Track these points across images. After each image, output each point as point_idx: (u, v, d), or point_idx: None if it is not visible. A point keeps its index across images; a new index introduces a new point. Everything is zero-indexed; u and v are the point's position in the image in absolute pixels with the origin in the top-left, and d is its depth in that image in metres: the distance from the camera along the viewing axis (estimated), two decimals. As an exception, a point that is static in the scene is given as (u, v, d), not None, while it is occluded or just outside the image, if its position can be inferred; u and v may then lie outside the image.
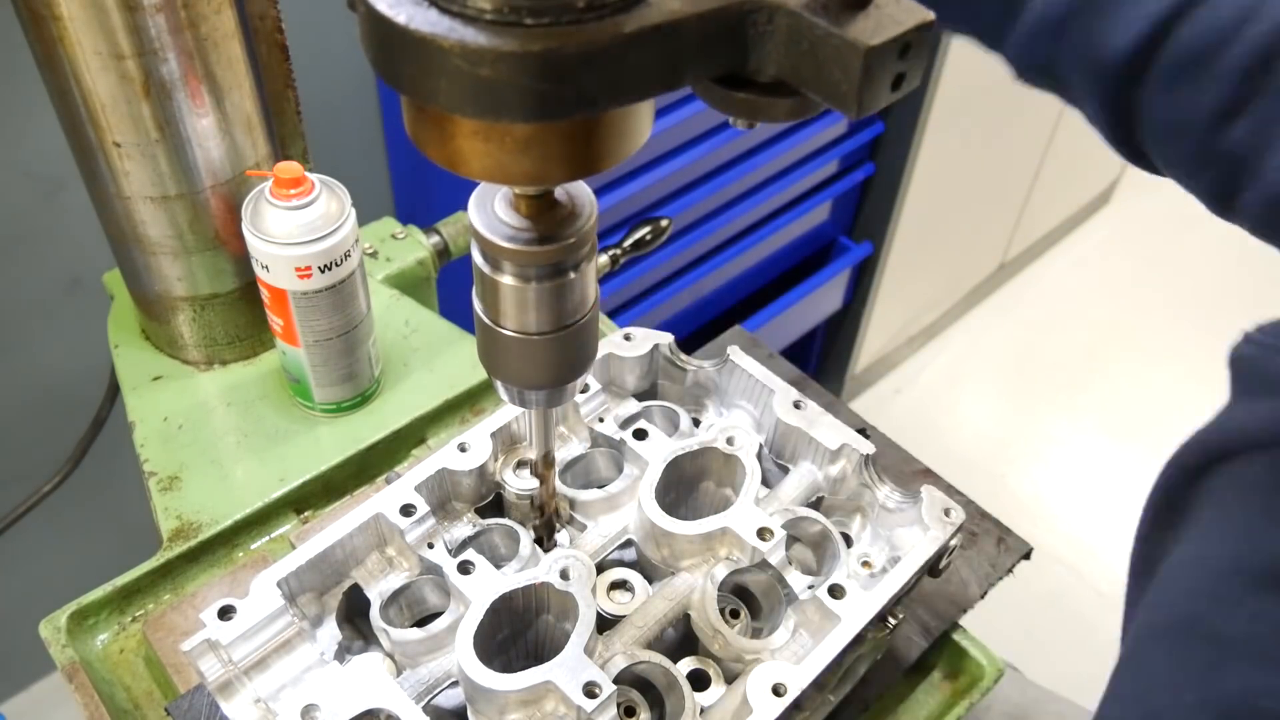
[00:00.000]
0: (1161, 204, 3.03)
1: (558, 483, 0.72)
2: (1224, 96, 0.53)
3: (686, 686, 0.63)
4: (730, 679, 0.66)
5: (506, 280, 0.53)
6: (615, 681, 0.60)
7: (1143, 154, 0.61)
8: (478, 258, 0.54)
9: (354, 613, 0.70)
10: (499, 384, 0.60)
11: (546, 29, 0.38)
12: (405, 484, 0.69)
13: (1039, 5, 0.58)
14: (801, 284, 2.06)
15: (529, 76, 0.38)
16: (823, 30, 0.40)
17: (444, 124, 0.43)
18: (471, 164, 0.44)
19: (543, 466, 0.68)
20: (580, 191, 0.53)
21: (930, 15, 0.41)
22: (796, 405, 0.75)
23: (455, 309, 1.08)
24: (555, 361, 0.57)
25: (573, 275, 0.53)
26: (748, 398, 0.78)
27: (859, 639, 0.64)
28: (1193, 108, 0.55)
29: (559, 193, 0.52)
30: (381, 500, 0.68)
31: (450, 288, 1.20)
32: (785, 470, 0.77)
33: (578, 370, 0.59)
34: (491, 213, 0.52)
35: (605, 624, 0.67)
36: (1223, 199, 0.57)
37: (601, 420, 0.76)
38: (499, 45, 0.38)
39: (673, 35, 0.40)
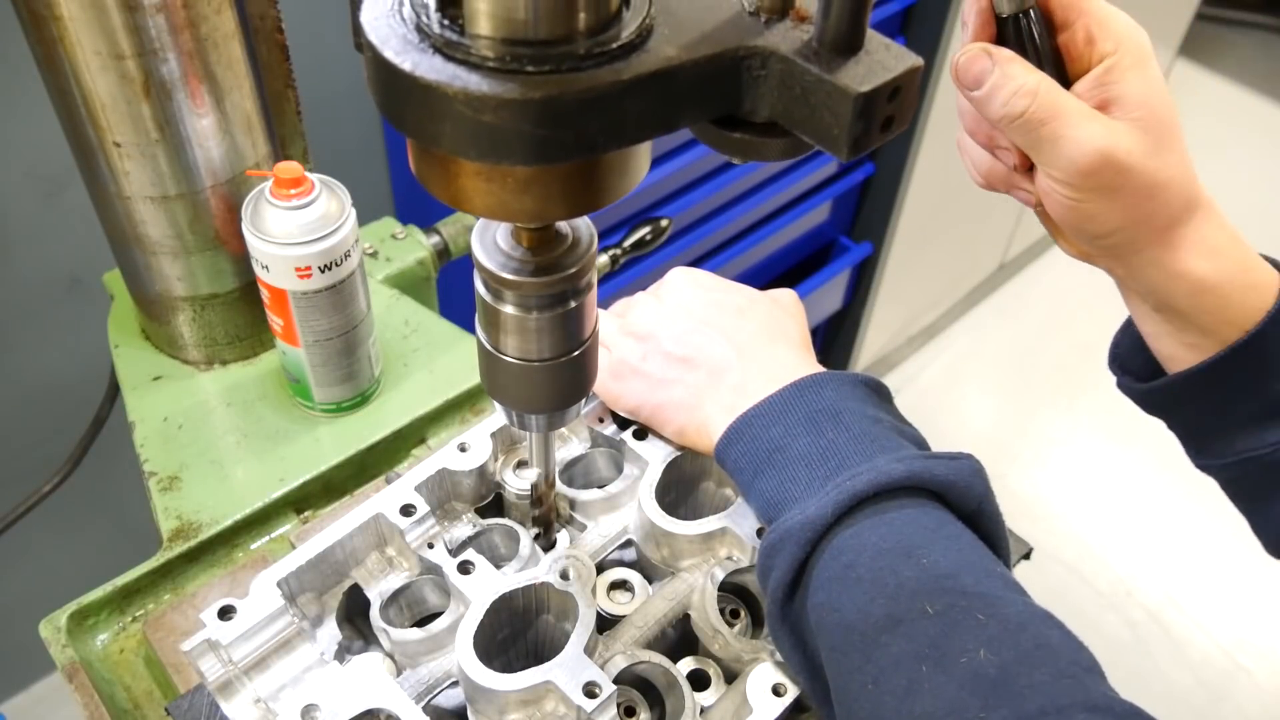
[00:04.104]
0: (1161, 204, 3.03)
1: (558, 483, 0.72)
2: None
3: (686, 686, 0.63)
4: (730, 679, 0.66)
5: (508, 309, 0.54)
6: (615, 681, 0.60)
7: None
8: (480, 287, 0.55)
9: (354, 613, 0.70)
10: (500, 407, 0.61)
11: (547, 76, 0.39)
12: (405, 484, 0.69)
13: None
14: (801, 284, 2.06)
15: (530, 122, 0.39)
16: (814, 76, 0.41)
17: (448, 165, 0.44)
18: (475, 202, 0.45)
19: (544, 486, 0.69)
20: (580, 223, 0.54)
21: (918, 61, 0.43)
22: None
23: (455, 309, 1.08)
24: (556, 387, 0.58)
25: (573, 304, 0.54)
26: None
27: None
28: None
29: (560, 225, 0.53)
30: (381, 500, 0.68)
31: (450, 288, 1.20)
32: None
33: (577, 395, 0.60)
34: (493, 244, 0.53)
35: (605, 624, 0.67)
36: None
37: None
38: (501, 92, 0.39)
39: (669, 81, 0.41)
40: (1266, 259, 0.64)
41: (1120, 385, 0.71)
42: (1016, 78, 0.57)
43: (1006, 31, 0.59)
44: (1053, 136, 0.57)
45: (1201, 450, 0.69)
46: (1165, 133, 0.58)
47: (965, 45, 0.60)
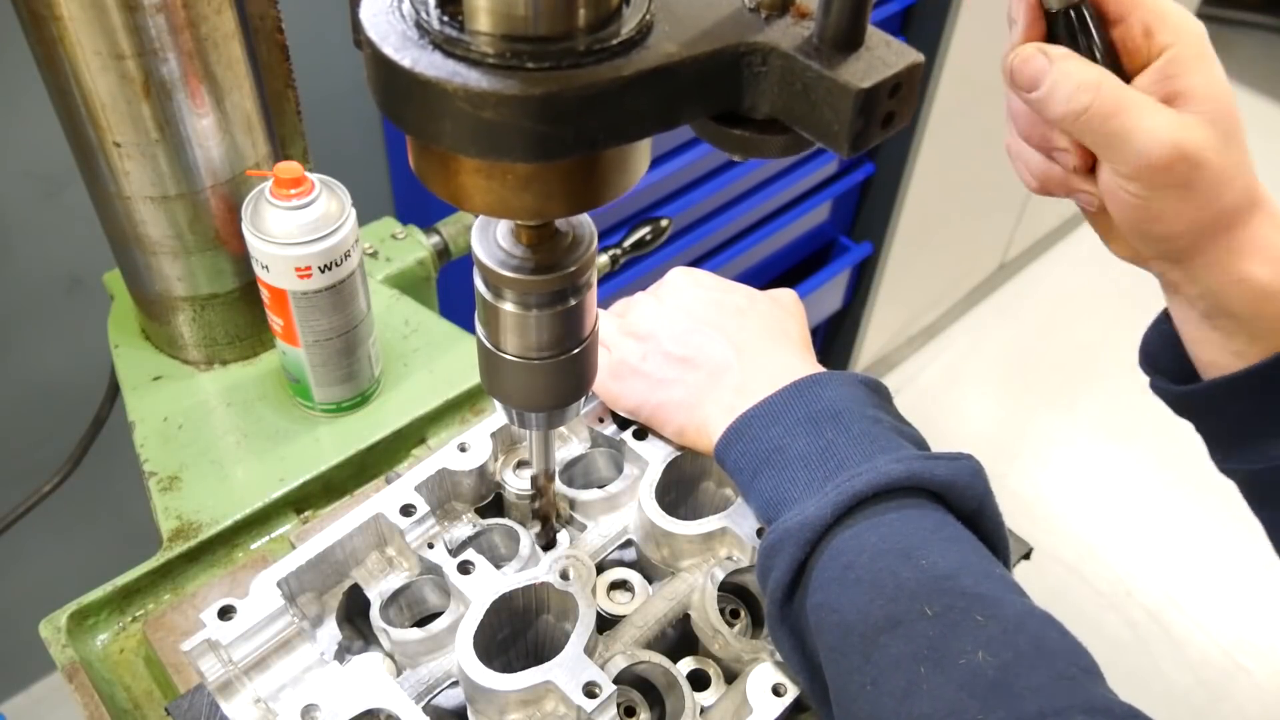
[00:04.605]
0: (1161, 204, 3.03)
1: (558, 482, 0.72)
2: None
3: (686, 686, 0.63)
4: (730, 679, 0.66)
5: (508, 307, 0.54)
6: (615, 681, 0.60)
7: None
8: (480, 284, 0.55)
9: (354, 613, 0.70)
10: (499, 405, 0.61)
11: (547, 73, 0.39)
12: (405, 484, 0.69)
13: None
14: (801, 284, 2.06)
15: (530, 119, 0.39)
16: (815, 73, 0.41)
17: (448, 162, 0.44)
18: (474, 200, 0.45)
19: (544, 479, 0.69)
20: (580, 221, 0.54)
21: (919, 57, 0.42)
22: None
23: (455, 309, 1.08)
24: (555, 385, 0.58)
25: (573, 302, 0.54)
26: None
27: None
28: None
29: (560, 222, 0.53)
30: (381, 500, 0.68)
31: (450, 288, 1.20)
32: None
33: (577, 393, 0.60)
34: (494, 241, 0.53)
35: (605, 624, 0.67)
36: None
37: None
38: (501, 89, 0.39)
39: (670, 78, 0.41)
40: None
41: (1153, 387, 0.69)
42: (1075, 74, 0.55)
43: (1057, 28, 0.57)
44: (1122, 130, 0.55)
45: (1230, 455, 0.67)
46: (1232, 128, 0.56)
47: (1015, 45, 0.58)
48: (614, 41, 0.41)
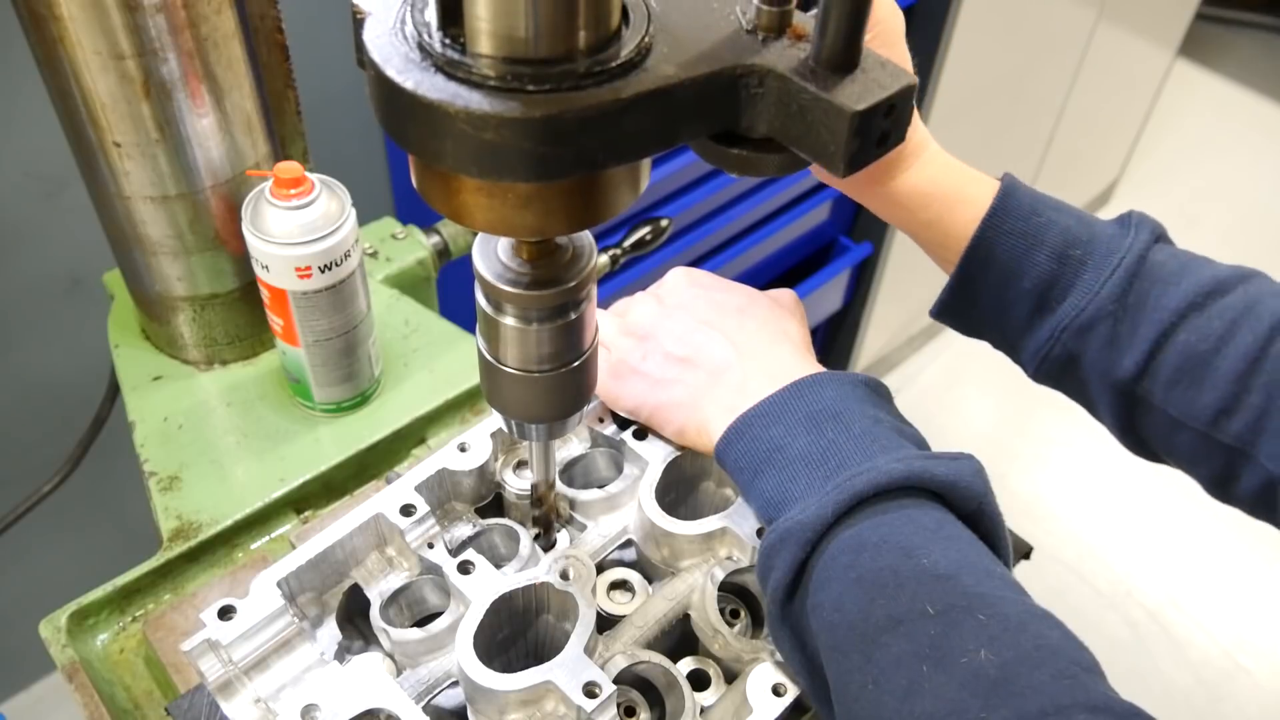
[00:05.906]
0: (1161, 204, 3.03)
1: (558, 483, 0.72)
2: (1220, 396, 0.64)
3: (686, 686, 0.63)
4: (730, 679, 0.66)
5: (508, 321, 0.54)
6: (615, 681, 0.60)
7: (1145, 444, 0.74)
8: (480, 298, 0.55)
9: (354, 613, 0.70)
10: (500, 416, 0.62)
11: (548, 95, 0.40)
12: (405, 484, 0.69)
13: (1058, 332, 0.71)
14: (801, 284, 2.06)
15: (531, 140, 0.40)
16: (811, 95, 0.42)
17: (449, 181, 0.45)
18: (476, 217, 0.45)
19: (544, 490, 0.69)
20: (580, 236, 0.54)
21: (913, 79, 0.43)
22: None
23: (455, 309, 1.08)
24: (555, 397, 0.58)
25: (573, 316, 0.55)
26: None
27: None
28: (1192, 407, 0.66)
29: (560, 238, 0.54)
30: (381, 500, 0.68)
31: (450, 288, 1.20)
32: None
33: (577, 405, 0.60)
34: (495, 257, 0.53)
35: (605, 624, 0.67)
36: (1222, 484, 0.68)
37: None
38: (503, 111, 0.39)
39: (668, 99, 0.42)
40: (1001, 179, 0.71)
41: (930, 313, 0.79)
42: None
43: None
44: None
45: (1021, 363, 0.76)
46: None
47: None
48: (613, 64, 0.41)
